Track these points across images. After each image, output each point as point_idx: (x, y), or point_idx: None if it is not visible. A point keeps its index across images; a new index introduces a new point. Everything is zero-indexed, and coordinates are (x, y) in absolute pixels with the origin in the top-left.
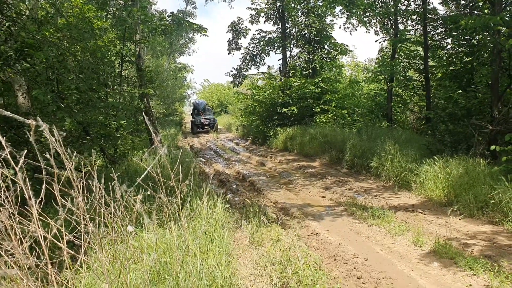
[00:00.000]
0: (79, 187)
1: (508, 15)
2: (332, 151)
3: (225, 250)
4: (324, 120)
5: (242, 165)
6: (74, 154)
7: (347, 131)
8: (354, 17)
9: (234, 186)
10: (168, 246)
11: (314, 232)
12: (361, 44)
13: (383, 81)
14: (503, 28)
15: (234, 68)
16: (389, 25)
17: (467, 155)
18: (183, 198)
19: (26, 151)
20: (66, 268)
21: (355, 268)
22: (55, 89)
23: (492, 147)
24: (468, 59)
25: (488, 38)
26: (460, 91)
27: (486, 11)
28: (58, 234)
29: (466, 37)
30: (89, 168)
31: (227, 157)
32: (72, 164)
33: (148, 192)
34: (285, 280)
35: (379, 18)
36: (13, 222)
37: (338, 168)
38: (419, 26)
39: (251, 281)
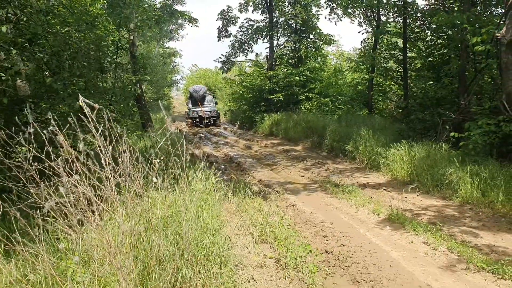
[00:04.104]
0: (122, 151)
1: (483, 14)
2: (314, 136)
3: (216, 209)
4: (309, 108)
5: (230, 148)
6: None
7: (329, 118)
8: (338, 8)
9: (222, 166)
10: (172, 203)
11: (291, 204)
12: (346, 34)
13: (365, 70)
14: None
15: (223, 55)
16: (372, 16)
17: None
18: (185, 165)
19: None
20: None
21: (321, 229)
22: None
23: (452, 133)
24: (445, 51)
25: (458, 35)
26: (431, 82)
27: (456, 8)
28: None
29: (444, 29)
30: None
31: (215, 140)
32: (116, 137)
33: (163, 157)
34: (264, 237)
35: (362, 9)
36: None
37: (318, 152)
38: (400, 18)
39: (237, 238)
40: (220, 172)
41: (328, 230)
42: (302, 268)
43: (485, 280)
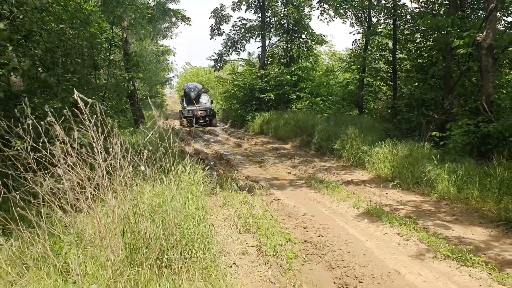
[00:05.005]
0: (114, 142)
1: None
2: (303, 135)
3: (202, 200)
4: (300, 107)
5: (220, 146)
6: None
7: (318, 117)
8: (330, 9)
9: (212, 163)
10: (160, 192)
11: (276, 198)
12: (339, 34)
13: (356, 71)
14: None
15: (215, 53)
16: (363, 18)
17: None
18: (173, 157)
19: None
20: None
21: (303, 221)
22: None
23: (433, 133)
24: (433, 53)
25: (442, 37)
26: (416, 83)
27: (442, 11)
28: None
29: (432, 32)
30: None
31: (206, 138)
32: (108, 128)
33: (151, 148)
34: (247, 227)
35: (354, 10)
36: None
37: (307, 150)
38: (390, 20)
39: (222, 229)
40: (209, 168)
41: (309, 222)
42: (281, 255)
43: (450, 267)
